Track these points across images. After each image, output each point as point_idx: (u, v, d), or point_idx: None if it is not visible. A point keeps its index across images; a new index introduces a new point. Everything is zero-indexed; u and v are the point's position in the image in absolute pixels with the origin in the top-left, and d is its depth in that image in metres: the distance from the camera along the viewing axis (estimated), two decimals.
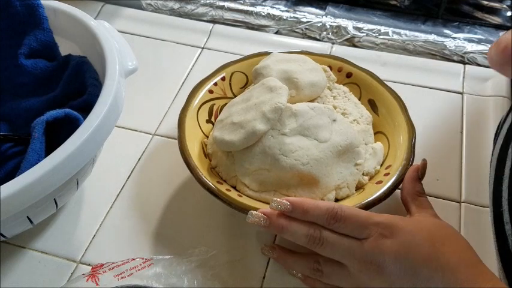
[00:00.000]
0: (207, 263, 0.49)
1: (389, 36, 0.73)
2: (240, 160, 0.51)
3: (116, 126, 0.48)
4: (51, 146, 0.45)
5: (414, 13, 0.76)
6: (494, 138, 0.52)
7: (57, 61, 0.56)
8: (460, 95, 0.66)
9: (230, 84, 0.60)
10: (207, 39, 0.74)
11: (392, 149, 0.54)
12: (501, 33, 0.72)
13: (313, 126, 0.50)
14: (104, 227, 0.54)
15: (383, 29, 0.73)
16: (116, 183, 0.57)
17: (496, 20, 0.74)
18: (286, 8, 0.77)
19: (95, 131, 0.44)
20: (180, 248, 0.51)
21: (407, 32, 0.73)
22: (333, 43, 0.73)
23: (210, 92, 0.58)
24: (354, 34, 0.73)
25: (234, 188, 0.51)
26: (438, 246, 0.41)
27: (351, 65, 0.60)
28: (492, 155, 0.50)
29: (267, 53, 0.60)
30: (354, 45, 0.73)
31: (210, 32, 0.75)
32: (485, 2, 0.75)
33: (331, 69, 0.60)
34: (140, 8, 0.79)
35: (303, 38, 0.75)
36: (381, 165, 0.53)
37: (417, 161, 0.51)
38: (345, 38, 0.74)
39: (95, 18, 0.56)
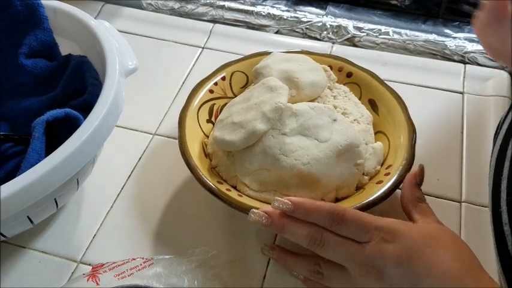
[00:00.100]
0: (207, 263, 0.49)
1: (389, 36, 0.72)
2: (241, 160, 0.51)
3: (116, 126, 0.48)
4: (51, 145, 0.45)
5: (415, 13, 0.76)
6: (494, 138, 0.52)
7: (58, 61, 0.56)
8: (461, 94, 0.66)
9: (230, 84, 0.60)
10: (208, 39, 0.74)
11: (393, 148, 0.53)
12: None
13: (313, 126, 0.50)
14: (104, 227, 0.54)
15: (383, 28, 0.73)
16: (116, 183, 0.57)
17: None
18: (286, 8, 0.77)
19: (95, 130, 0.44)
20: (180, 247, 0.51)
21: (407, 31, 0.73)
22: (334, 43, 0.73)
23: (211, 91, 0.58)
24: (354, 34, 0.73)
25: (235, 188, 0.51)
26: (440, 253, 0.40)
27: (352, 65, 0.60)
28: (491, 155, 0.50)
29: (267, 53, 0.60)
30: (355, 45, 0.73)
31: (211, 31, 0.75)
32: (486, 2, 0.75)
33: (331, 68, 0.60)
34: (140, 7, 0.79)
35: (304, 37, 0.75)
36: (381, 165, 0.53)
37: (417, 161, 0.51)
38: (345, 37, 0.73)
39: (95, 18, 0.55)
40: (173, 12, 0.79)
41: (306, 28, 0.75)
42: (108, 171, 0.58)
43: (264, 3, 0.78)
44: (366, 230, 0.42)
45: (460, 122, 0.63)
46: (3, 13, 0.54)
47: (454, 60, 0.70)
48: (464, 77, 0.68)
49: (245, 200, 0.49)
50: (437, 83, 0.67)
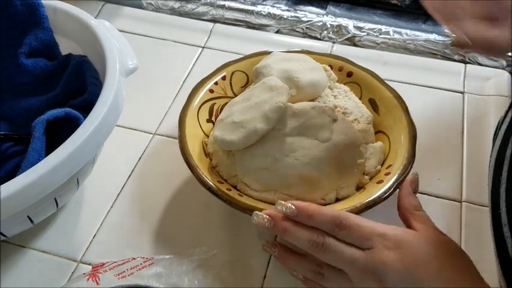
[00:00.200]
0: (207, 263, 0.49)
1: (390, 35, 0.72)
2: (241, 159, 0.51)
3: (117, 126, 0.48)
4: (51, 145, 0.45)
5: (415, 12, 0.76)
6: (493, 138, 0.52)
7: (58, 60, 0.56)
8: (461, 94, 0.66)
9: (231, 83, 0.60)
10: (208, 39, 0.74)
11: (393, 148, 0.53)
12: None
13: (313, 125, 0.50)
14: (105, 227, 0.54)
15: (384, 28, 0.73)
16: (117, 182, 0.57)
17: None
18: (286, 7, 0.77)
19: (95, 130, 0.44)
20: (180, 247, 0.51)
21: (408, 31, 0.73)
22: (334, 42, 0.73)
23: (211, 91, 0.58)
24: (354, 33, 0.73)
25: (235, 187, 0.51)
26: (441, 263, 0.41)
27: (352, 64, 0.60)
28: (491, 155, 0.50)
29: (267, 52, 0.60)
30: (355, 45, 0.73)
31: (211, 31, 0.75)
32: None
33: (331, 68, 0.60)
34: (141, 7, 0.79)
35: (304, 37, 0.75)
36: (382, 164, 0.53)
37: (418, 160, 0.51)
38: (345, 37, 0.73)
39: (95, 18, 0.55)
40: (173, 11, 0.79)
41: (307, 28, 0.75)
42: (109, 170, 0.58)
43: (264, 3, 0.78)
44: (368, 237, 0.42)
45: (460, 122, 0.63)
46: (3, 13, 0.54)
47: (454, 60, 0.70)
48: (464, 76, 0.68)
49: (245, 200, 0.48)
50: (437, 83, 0.67)
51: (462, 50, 0.56)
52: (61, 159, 0.42)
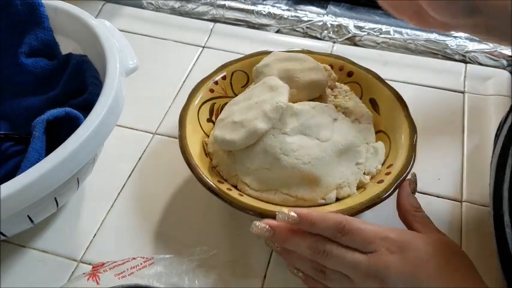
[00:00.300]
0: (207, 263, 0.49)
1: (390, 35, 0.72)
2: (241, 159, 0.51)
3: (117, 125, 0.48)
4: (51, 145, 0.45)
5: None
6: (495, 139, 0.52)
7: (58, 60, 0.56)
8: (462, 94, 0.66)
9: (231, 83, 0.60)
10: (208, 38, 0.74)
11: (394, 148, 0.53)
12: None
13: (314, 125, 0.50)
14: (105, 226, 0.54)
15: (384, 27, 0.73)
16: (117, 182, 0.57)
17: None
18: (287, 7, 0.77)
19: (95, 130, 0.44)
20: (180, 247, 0.51)
21: (408, 31, 0.72)
22: (334, 42, 0.73)
23: (211, 91, 0.58)
24: (355, 33, 0.73)
25: (235, 187, 0.51)
26: (443, 264, 0.41)
27: (352, 64, 0.60)
28: (492, 156, 0.49)
29: (267, 52, 0.60)
30: (355, 44, 0.73)
31: (211, 30, 0.75)
32: None
33: (332, 68, 0.59)
34: (141, 7, 0.79)
35: (304, 37, 0.75)
36: (382, 164, 0.53)
37: (418, 160, 0.51)
38: (346, 37, 0.73)
39: (95, 17, 0.55)
40: (173, 11, 0.79)
41: (307, 27, 0.75)
42: (109, 170, 0.58)
43: (264, 3, 0.78)
44: (371, 241, 0.42)
45: (460, 121, 0.63)
46: (3, 12, 0.54)
47: (455, 60, 0.70)
48: (465, 76, 0.68)
49: (246, 200, 0.48)
50: (438, 83, 0.67)
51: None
52: (61, 158, 0.42)
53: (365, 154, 0.52)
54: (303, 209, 0.45)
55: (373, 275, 0.41)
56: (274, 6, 0.77)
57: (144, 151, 0.60)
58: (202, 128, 0.56)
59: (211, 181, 0.49)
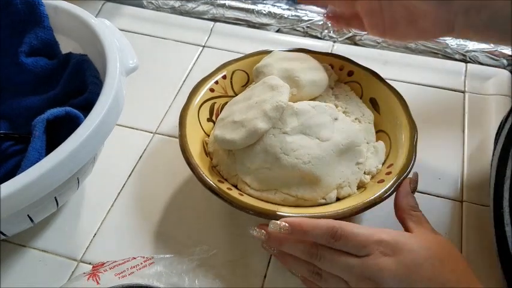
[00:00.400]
0: (208, 262, 0.49)
1: None
2: (241, 159, 0.51)
3: (117, 125, 0.48)
4: (51, 144, 0.44)
5: None
6: (495, 139, 0.52)
7: (58, 59, 0.56)
8: (462, 93, 0.66)
9: (231, 82, 0.59)
10: (208, 38, 0.74)
11: (394, 147, 0.53)
12: None
13: (314, 124, 0.50)
14: (105, 226, 0.54)
15: None
16: (117, 181, 0.57)
17: None
18: (287, 6, 0.77)
19: (95, 129, 0.44)
20: (181, 246, 0.51)
21: None
22: (334, 41, 0.73)
23: (211, 90, 0.58)
24: (355, 32, 0.73)
25: (235, 186, 0.51)
26: (438, 265, 0.41)
27: (353, 64, 0.60)
28: (493, 155, 0.50)
29: (268, 52, 0.60)
30: (356, 44, 0.73)
31: (211, 30, 0.75)
32: None
33: (332, 67, 0.59)
34: (141, 6, 0.79)
35: (304, 36, 0.75)
36: (383, 164, 0.53)
37: (418, 159, 0.51)
38: (346, 36, 0.73)
39: (95, 16, 0.55)
40: (174, 10, 0.78)
41: (307, 27, 0.75)
42: (109, 170, 0.58)
43: (264, 2, 0.78)
44: (365, 244, 0.42)
45: (461, 121, 0.63)
46: (3, 11, 0.54)
47: (455, 59, 0.70)
48: (465, 75, 0.68)
49: (246, 199, 0.48)
50: (438, 82, 0.67)
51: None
52: (61, 158, 0.42)
53: (365, 154, 0.52)
54: (294, 218, 0.45)
55: (367, 278, 0.41)
56: (275, 5, 0.77)
57: (144, 151, 0.60)
58: (202, 128, 0.56)
59: (211, 181, 0.49)
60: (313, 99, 0.55)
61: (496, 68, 0.69)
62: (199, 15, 0.78)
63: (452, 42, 0.70)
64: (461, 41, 0.70)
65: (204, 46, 0.73)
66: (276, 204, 0.49)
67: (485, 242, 0.50)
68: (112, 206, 0.55)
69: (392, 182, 0.49)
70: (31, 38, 0.55)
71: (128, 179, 0.58)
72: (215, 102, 0.58)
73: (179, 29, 0.75)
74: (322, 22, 0.74)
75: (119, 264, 0.46)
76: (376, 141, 0.55)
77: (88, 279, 0.45)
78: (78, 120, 0.46)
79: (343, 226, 0.43)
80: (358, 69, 0.59)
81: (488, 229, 0.48)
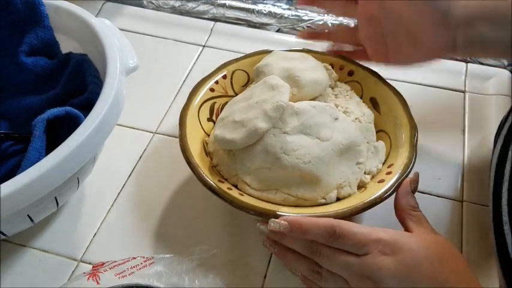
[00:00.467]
0: (208, 262, 0.49)
1: None
2: (241, 159, 0.51)
3: (117, 125, 0.48)
4: (51, 144, 0.44)
5: None
6: (495, 139, 0.52)
7: (58, 59, 0.56)
8: (462, 93, 0.66)
9: (231, 82, 0.59)
10: (208, 37, 0.74)
11: (394, 147, 0.53)
12: None
13: (314, 124, 0.50)
14: (105, 226, 0.54)
15: None
16: (117, 181, 0.57)
17: None
18: (287, 6, 0.77)
19: (95, 129, 0.44)
20: (181, 246, 0.51)
21: None
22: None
23: (211, 90, 0.58)
24: None
25: (235, 186, 0.51)
26: (437, 265, 0.41)
27: (353, 63, 0.60)
28: (492, 155, 0.49)
29: (268, 51, 0.60)
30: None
31: (211, 30, 0.75)
32: None
33: (332, 67, 0.59)
34: (141, 6, 0.79)
35: None
36: (383, 163, 0.53)
37: (419, 159, 0.51)
38: None
39: (96, 16, 0.55)
40: (174, 10, 0.78)
41: (307, 26, 0.75)
42: (109, 169, 0.58)
43: (265, 2, 0.78)
44: (363, 243, 0.42)
45: (461, 121, 0.63)
46: (3, 11, 0.54)
47: (455, 59, 0.70)
48: (466, 75, 0.68)
49: (246, 199, 0.48)
50: (439, 82, 0.67)
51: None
52: (61, 158, 0.41)
53: (366, 153, 0.52)
54: (294, 216, 0.45)
55: (366, 277, 0.41)
56: (275, 5, 0.77)
57: (145, 150, 0.60)
58: (202, 128, 0.56)
59: (211, 180, 0.49)
60: (314, 99, 0.55)
61: (497, 68, 0.69)
62: (199, 15, 0.78)
63: None
64: None
65: (204, 46, 0.73)
66: (276, 204, 0.49)
67: (485, 242, 0.50)
68: (112, 206, 0.55)
69: (392, 182, 0.49)
70: (31, 38, 0.55)
71: (127, 179, 0.58)
72: (215, 102, 0.58)
73: (179, 28, 0.75)
74: (322, 22, 0.74)
75: (119, 264, 0.46)
76: (377, 141, 0.55)
77: (88, 279, 0.45)
78: (78, 120, 0.46)
79: (342, 225, 0.43)
80: (359, 68, 0.59)
81: (489, 229, 0.48)
